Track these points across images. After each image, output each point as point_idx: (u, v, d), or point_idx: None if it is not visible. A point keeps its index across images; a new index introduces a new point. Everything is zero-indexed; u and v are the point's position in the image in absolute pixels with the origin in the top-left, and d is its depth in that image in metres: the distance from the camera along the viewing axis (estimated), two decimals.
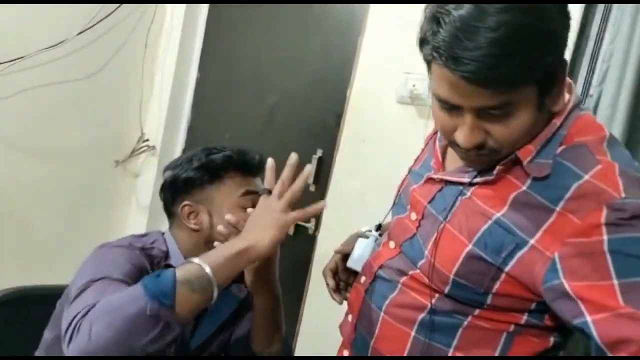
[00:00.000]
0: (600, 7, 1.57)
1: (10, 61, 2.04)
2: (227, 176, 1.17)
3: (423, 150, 1.08)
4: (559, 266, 0.78)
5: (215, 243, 1.06)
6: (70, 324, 0.87)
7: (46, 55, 2.12)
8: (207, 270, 0.89)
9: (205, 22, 2.55)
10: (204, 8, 2.53)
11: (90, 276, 0.99)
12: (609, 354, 0.76)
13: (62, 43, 2.14)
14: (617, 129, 1.39)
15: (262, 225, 0.97)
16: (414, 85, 1.79)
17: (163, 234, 1.20)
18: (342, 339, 1.09)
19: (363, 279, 1.04)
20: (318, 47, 2.17)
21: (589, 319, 0.76)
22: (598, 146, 0.83)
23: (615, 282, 0.75)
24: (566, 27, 0.78)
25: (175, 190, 1.18)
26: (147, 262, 1.10)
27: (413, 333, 0.93)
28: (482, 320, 0.89)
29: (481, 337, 0.90)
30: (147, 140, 2.50)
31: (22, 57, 2.05)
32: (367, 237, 1.12)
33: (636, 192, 0.78)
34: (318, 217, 2.07)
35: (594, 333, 0.76)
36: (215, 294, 0.90)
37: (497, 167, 0.85)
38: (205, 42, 2.57)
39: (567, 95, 0.86)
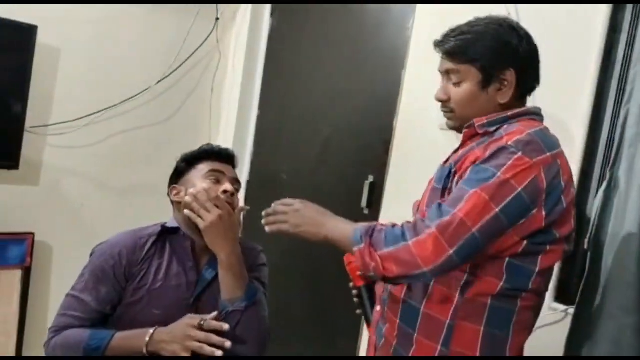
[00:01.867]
0: (625, 32, 1.66)
1: (101, 111, 2.34)
2: (200, 162, 1.50)
3: None
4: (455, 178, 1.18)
5: (186, 211, 1.37)
6: (46, 339, 1.36)
7: (130, 103, 2.41)
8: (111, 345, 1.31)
9: (263, 66, 2.77)
10: (262, 54, 2.76)
11: (72, 286, 1.41)
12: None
13: (144, 92, 2.42)
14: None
15: None
16: None
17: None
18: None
19: None
20: (366, 82, 2.30)
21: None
22: (527, 127, 1.16)
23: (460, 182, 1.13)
24: (514, 40, 1.20)
25: (170, 184, 1.52)
26: (133, 242, 1.42)
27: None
28: None
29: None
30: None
31: (111, 107, 2.35)
32: None
33: (522, 146, 1.10)
34: None
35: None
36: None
37: (468, 133, 1.25)
38: (264, 83, 2.78)
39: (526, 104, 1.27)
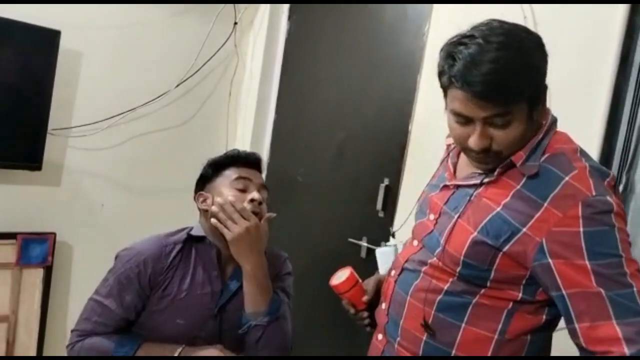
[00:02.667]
0: None
1: (121, 114, 2.37)
2: (226, 168, 1.45)
3: (438, 169, 1.29)
4: (545, 248, 0.99)
5: (212, 220, 1.34)
6: (69, 341, 1.36)
7: (150, 107, 2.44)
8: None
9: (280, 70, 2.78)
10: (279, 59, 2.77)
11: (95, 289, 1.39)
12: (576, 325, 0.94)
13: (163, 95, 2.45)
14: None
15: None
16: None
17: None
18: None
19: (393, 272, 1.22)
20: (381, 86, 2.29)
21: (564, 292, 0.97)
22: (573, 155, 1.05)
23: (587, 263, 0.95)
24: (544, 60, 1.03)
25: (196, 190, 1.48)
26: (173, 245, 1.40)
27: (433, 312, 1.10)
28: (486, 299, 1.07)
29: (486, 313, 1.07)
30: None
31: (131, 110, 2.38)
32: (389, 247, 1.29)
33: (602, 190, 0.99)
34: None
35: (568, 304, 0.97)
36: None
37: (497, 170, 1.08)
38: (280, 88, 2.78)
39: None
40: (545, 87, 1.06)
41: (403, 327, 1.16)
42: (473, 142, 1.03)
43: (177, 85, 2.49)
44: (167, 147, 2.55)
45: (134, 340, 1.33)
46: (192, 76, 2.55)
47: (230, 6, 2.63)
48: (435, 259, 1.12)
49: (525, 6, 1.84)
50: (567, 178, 1.00)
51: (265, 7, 2.74)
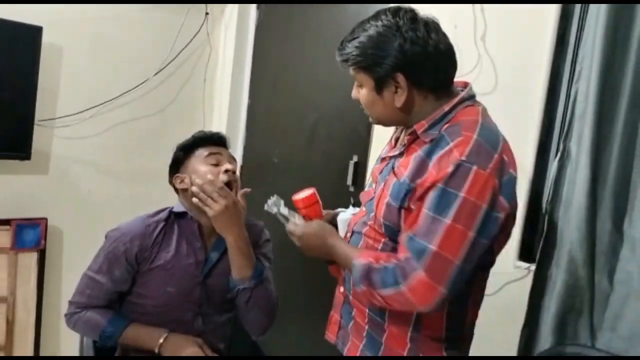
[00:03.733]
0: (577, 17, 1.84)
1: (103, 103, 2.48)
2: (196, 149, 1.60)
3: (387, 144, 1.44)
4: (416, 195, 1.15)
5: (194, 200, 1.48)
6: (67, 311, 1.54)
7: (130, 95, 2.55)
8: (125, 337, 1.50)
9: (251, 57, 2.91)
10: (250, 46, 2.90)
11: (88, 265, 1.56)
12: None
13: (141, 84, 2.57)
14: (588, 120, 1.66)
15: None
16: None
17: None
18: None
19: (348, 235, 1.37)
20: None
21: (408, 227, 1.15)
22: (469, 125, 1.15)
23: (425, 211, 1.12)
24: (410, 49, 1.15)
25: (170, 173, 1.62)
26: (156, 223, 1.55)
27: None
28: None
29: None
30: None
31: (112, 99, 2.49)
32: (346, 214, 1.45)
33: (474, 158, 1.10)
34: None
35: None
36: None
37: (407, 139, 1.23)
38: (253, 74, 2.91)
39: (460, 91, 1.24)
40: (393, 71, 1.17)
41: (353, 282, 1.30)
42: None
43: (156, 74, 2.61)
44: (147, 133, 2.66)
45: (123, 320, 1.50)
46: (168, 65, 2.67)
47: None
48: (371, 221, 1.27)
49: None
50: (451, 144, 1.12)
51: None
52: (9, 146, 2.20)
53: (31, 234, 2.31)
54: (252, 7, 2.88)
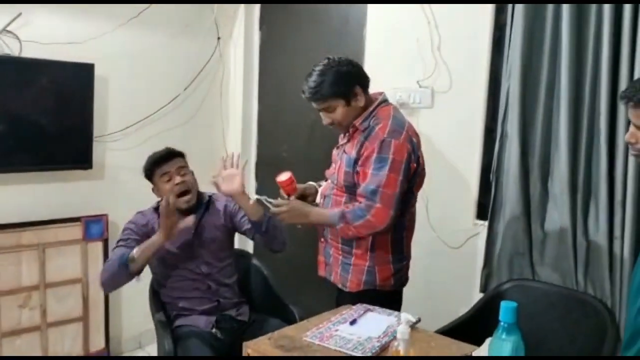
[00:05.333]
0: (508, 25, 2.16)
1: (142, 120, 2.99)
2: (154, 171, 2.14)
3: None
4: (360, 162, 1.81)
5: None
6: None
7: (162, 112, 3.07)
8: (134, 253, 1.97)
9: (258, 71, 3.35)
10: (256, 62, 3.36)
11: (119, 238, 2.13)
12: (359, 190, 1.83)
13: (172, 101, 3.08)
14: (516, 107, 2.10)
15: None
16: (400, 96, 2.53)
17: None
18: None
19: (322, 199, 2.01)
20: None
21: (361, 183, 1.80)
22: (385, 118, 1.84)
23: (369, 170, 1.78)
24: (355, 70, 1.87)
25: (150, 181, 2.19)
26: (156, 211, 2.14)
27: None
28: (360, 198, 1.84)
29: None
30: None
31: (147, 117, 3.01)
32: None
33: (391, 135, 1.77)
34: None
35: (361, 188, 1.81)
36: (139, 263, 1.99)
37: (350, 130, 1.88)
38: (260, 84, 3.36)
39: (378, 97, 1.90)
40: (352, 86, 1.83)
41: (330, 230, 1.94)
42: (324, 122, 1.92)
43: (185, 89, 3.12)
44: (177, 140, 2.96)
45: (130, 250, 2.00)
46: (190, 84, 3.17)
47: (213, 24, 3.24)
48: (335, 186, 1.93)
49: (426, 6, 2.48)
50: (377, 128, 1.80)
51: (240, 22, 3.32)
52: (76, 159, 2.74)
53: (96, 228, 2.83)
54: (256, 29, 3.34)
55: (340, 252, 1.94)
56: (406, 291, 2.07)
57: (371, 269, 1.89)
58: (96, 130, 2.80)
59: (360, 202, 1.80)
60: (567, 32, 2.01)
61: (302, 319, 2.20)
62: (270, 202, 1.92)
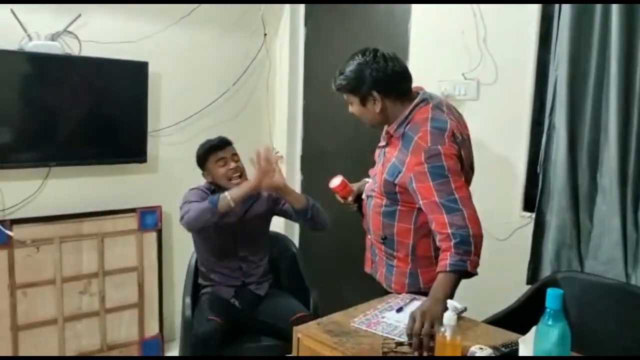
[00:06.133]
0: (555, 19, 2.16)
1: (193, 115, 3.11)
2: (209, 155, 2.37)
3: None
4: (413, 179, 1.65)
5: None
6: (181, 215, 2.27)
7: (212, 107, 3.17)
8: (227, 195, 2.16)
9: (303, 66, 3.41)
10: (301, 58, 3.41)
11: (184, 201, 2.31)
12: (429, 217, 1.66)
13: (222, 95, 3.18)
14: (564, 100, 2.10)
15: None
16: (445, 88, 2.55)
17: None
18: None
19: (365, 199, 1.95)
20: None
21: (422, 202, 1.65)
22: (423, 123, 1.68)
23: (431, 184, 1.62)
24: (377, 75, 1.71)
25: (200, 167, 2.45)
26: (207, 190, 2.37)
27: (380, 217, 1.84)
28: (402, 206, 1.77)
29: (405, 215, 1.77)
30: (278, 152, 3.43)
31: (199, 111, 3.12)
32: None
33: (435, 141, 1.63)
34: None
35: (424, 208, 1.66)
36: (232, 204, 2.16)
37: (387, 136, 1.78)
38: (305, 79, 3.42)
39: (417, 95, 1.75)
40: (369, 90, 1.72)
41: (371, 228, 1.91)
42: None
43: (234, 84, 3.22)
44: (226, 134, 3.10)
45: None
46: (238, 80, 3.27)
47: (260, 22, 3.32)
48: (376, 189, 1.84)
49: (475, 5, 2.50)
50: (415, 138, 1.65)
51: (286, 19, 3.39)
52: (132, 153, 2.87)
53: (151, 219, 2.95)
54: (301, 26, 3.41)
55: (384, 255, 1.89)
56: None
57: (414, 272, 1.82)
58: (150, 125, 2.92)
59: (448, 233, 1.59)
60: (617, 24, 1.98)
61: (315, 303, 2.32)
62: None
